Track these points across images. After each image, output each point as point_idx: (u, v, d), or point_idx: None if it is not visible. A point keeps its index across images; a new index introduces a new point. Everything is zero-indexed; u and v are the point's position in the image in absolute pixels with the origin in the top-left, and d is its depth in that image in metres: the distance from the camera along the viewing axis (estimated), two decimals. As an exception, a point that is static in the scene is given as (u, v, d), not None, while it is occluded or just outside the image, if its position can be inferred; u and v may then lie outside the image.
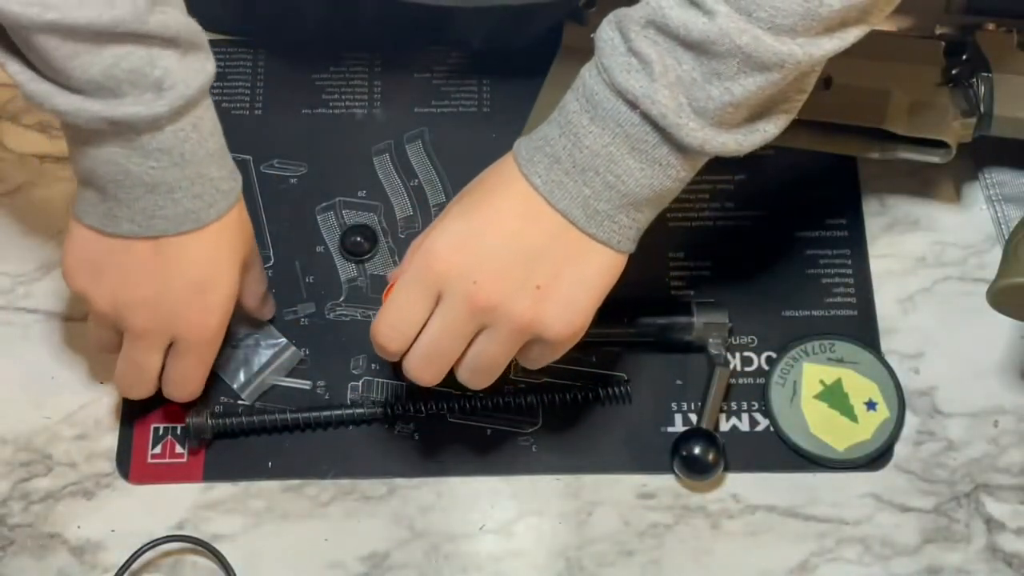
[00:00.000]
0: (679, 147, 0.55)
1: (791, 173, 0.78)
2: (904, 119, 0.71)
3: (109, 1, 0.54)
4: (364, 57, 0.82)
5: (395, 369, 0.72)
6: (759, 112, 0.56)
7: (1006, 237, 0.73)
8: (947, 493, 0.69)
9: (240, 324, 0.72)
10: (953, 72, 0.73)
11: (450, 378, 0.62)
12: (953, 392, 0.72)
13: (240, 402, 0.71)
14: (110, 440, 0.71)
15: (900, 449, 0.70)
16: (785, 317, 0.74)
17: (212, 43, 0.81)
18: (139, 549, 0.66)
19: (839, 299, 0.74)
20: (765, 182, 0.78)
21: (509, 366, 0.62)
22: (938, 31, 0.80)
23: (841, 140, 0.74)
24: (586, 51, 0.78)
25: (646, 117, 0.55)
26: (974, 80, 0.72)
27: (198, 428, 0.69)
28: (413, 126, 0.80)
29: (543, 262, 0.58)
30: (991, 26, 0.75)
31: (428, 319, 0.59)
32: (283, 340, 0.72)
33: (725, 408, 0.71)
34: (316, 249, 0.76)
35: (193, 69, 0.58)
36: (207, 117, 0.60)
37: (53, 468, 0.70)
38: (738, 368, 0.72)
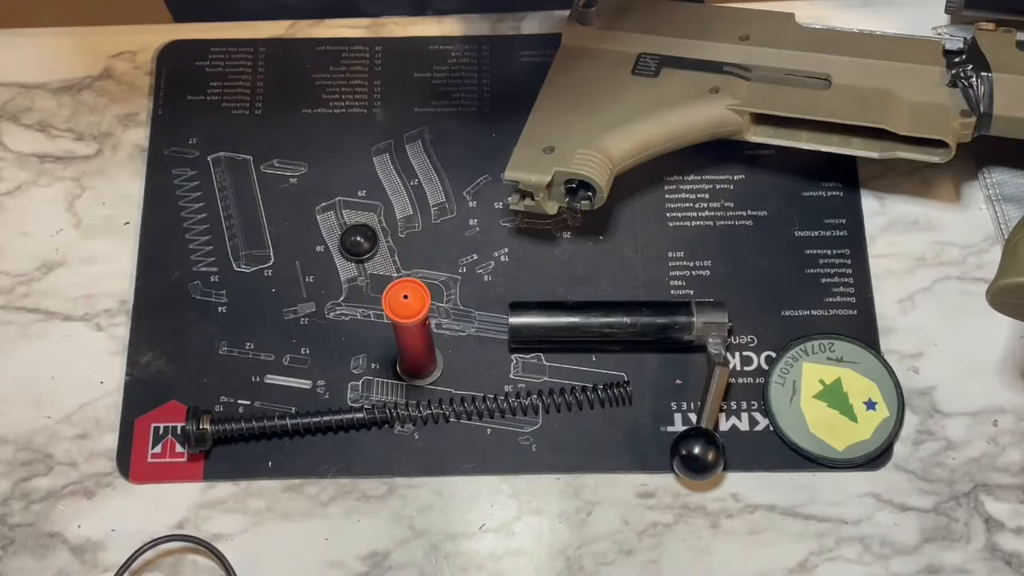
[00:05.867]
0: None
1: (790, 173, 0.78)
2: (903, 119, 0.71)
3: None
4: (364, 56, 0.83)
5: (396, 368, 0.72)
6: None
7: (1005, 237, 0.73)
8: (946, 492, 0.69)
9: None
10: (952, 72, 0.73)
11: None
12: (952, 392, 0.72)
13: (240, 402, 0.71)
14: (110, 439, 0.71)
15: (899, 448, 0.70)
16: (785, 316, 0.74)
17: (212, 43, 0.83)
18: (139, 548, 0.66)
19: (839, 299, 0.74)
20: (765, 182, 0.78)
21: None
22: (937, 30, 0.80)
23: (840, 140, 0.73)
24: (586, 51, 0.79)
25: None
26: (973, 80, 0.72)
27: (198, 436, 0.69)
28: (413, 126, 0.80)
29: None
30: (990, 25, 0.75)
31: None
32: None
33: (725, 407, 0.71)
34: (316, 249, 0.76)
35: None
36: None
37: (53, 467, 0.70)
38: (738, 367, 0.72)
